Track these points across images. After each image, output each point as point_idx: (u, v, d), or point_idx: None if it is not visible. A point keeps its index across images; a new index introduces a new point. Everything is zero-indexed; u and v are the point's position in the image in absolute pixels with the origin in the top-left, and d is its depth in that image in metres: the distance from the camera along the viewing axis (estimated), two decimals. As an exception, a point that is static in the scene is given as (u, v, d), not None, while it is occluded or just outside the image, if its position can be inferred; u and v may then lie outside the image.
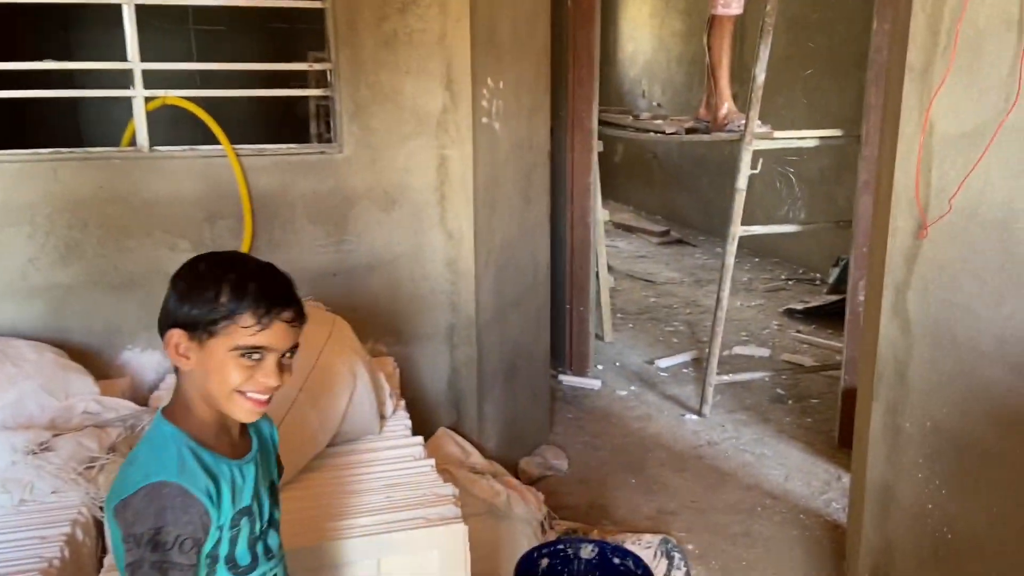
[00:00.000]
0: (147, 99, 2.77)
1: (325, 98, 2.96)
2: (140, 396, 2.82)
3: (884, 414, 2.48)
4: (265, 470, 1.45)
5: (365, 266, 3.02)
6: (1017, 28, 2.04)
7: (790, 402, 4.46)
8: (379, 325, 3.08)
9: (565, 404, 4.46)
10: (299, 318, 1.33)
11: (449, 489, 2.13)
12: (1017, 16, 2.03)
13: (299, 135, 3.83)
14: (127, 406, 2.44)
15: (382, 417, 2.50)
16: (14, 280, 2.68)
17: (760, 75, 3.79)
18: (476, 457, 3.05)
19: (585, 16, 4.34)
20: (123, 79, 2.75)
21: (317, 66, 2.93)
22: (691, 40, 8.55)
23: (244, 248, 2.84)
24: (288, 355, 1.34)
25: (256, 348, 1.28)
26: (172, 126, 3.05)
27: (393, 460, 2.30)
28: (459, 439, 3.07)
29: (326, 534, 1.93)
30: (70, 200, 2.69)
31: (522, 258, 3.61)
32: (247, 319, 1.27)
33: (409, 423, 2.55)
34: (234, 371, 1.28)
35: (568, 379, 4.73)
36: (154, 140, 2.79)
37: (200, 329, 1.28)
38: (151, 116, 2.80)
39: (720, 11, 3.98)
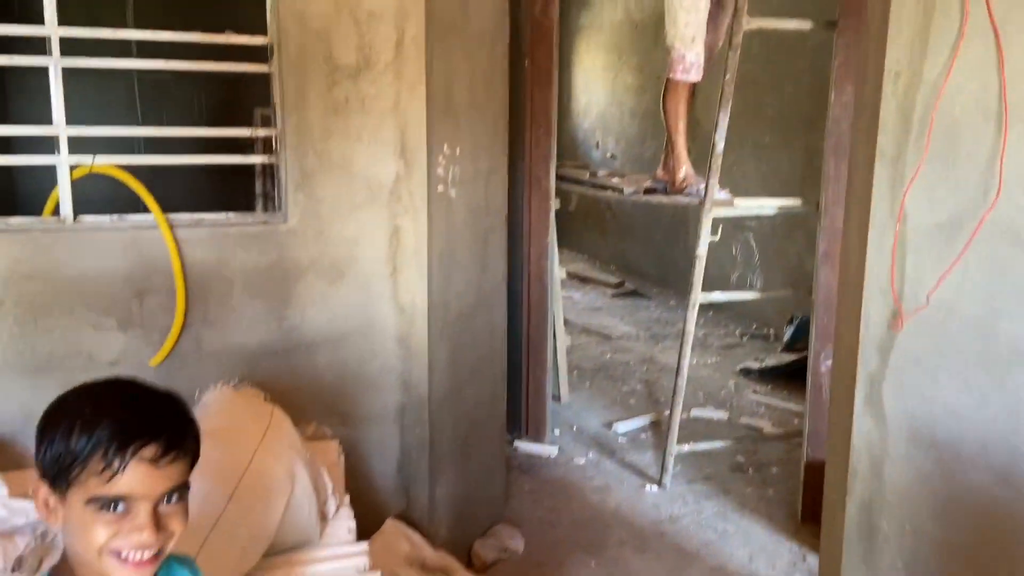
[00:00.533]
0: (72, 166, 2.55)
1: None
2: (56, 488, 2.56)
3: (859, 511, 2.35)
4: None
5: (309, 344, 2.82)
6: (996, 119, 1.97)
7: (750, 471, 4.34)
8: (324, 406, 2.87)
9: (521, 474, 4.27)
10: (171, 454, 1.10)
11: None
12: (996, 108, 1.96)
13: (245, 197, 3.63)
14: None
15: (323, 519, 2.29)
16: (-84, 364, 2.42)
17: (720, 143, 3.73)
18: (427, 550, 2.85)
19: (543, 76, 4.25)
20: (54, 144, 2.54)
21: (261, 132, 2.75)
22: (644, 94, 8.59)
23: (175, 327, 2.62)
24: (174, 497, 1.12)
25: (114, 498, 1.06)
26: (108, 191, 2.83)
27: (334, 573, 2.09)
28: (408, 531, 2.87)
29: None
30: (-18, 276, 2.45)
31: (478, 327, 3.45)
32: (97, 462, 1.05)
33: (353, 524, 2.34)
34: (96, 528, 1.06)
35: (524, 446, 4.55)
36: (85, 208, 2.57)
37: (58, 479, 1.07)
38: (82, 184, 2.58)
39: (679, 77, 3.92)
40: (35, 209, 2.61)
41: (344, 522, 2.34)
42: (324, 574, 2.08)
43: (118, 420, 1.07)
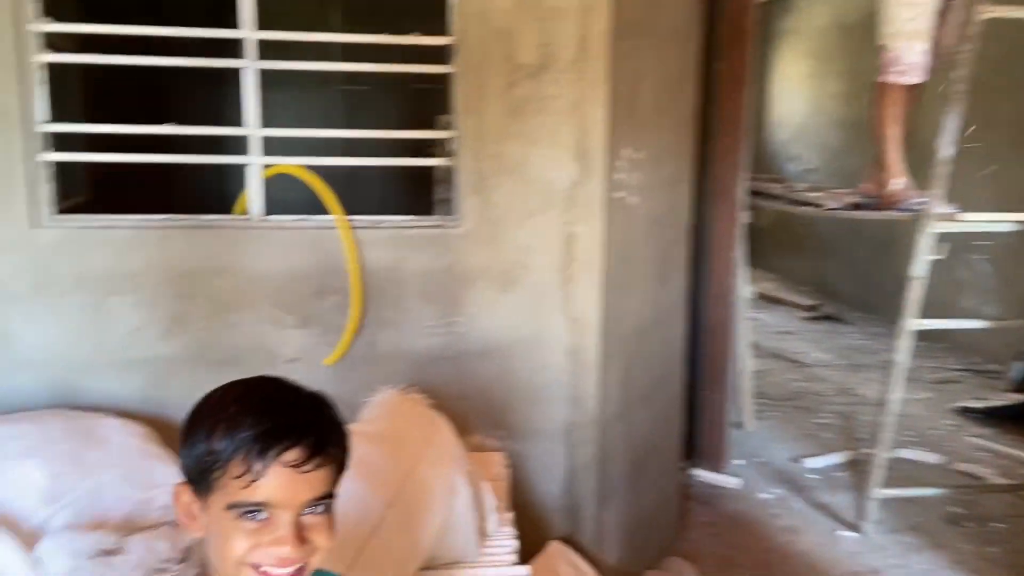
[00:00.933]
0: (263, 167, 2.63)
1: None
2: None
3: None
4: None
5: (478, 351, 2.74)
6: None
7: (969, 525, 3.79)
8: (489, 417, 2.78)
9: (698, 505, 3.98)
10: (315, 459, 1.00)
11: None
12: None
13: (423, 203, 3.65)
14: (210, 501, 2.23)
15: (483, 536, 2.18)
16: (116, 351, 2.57)
17: (946, 149, 3.28)
18: (592, 577, 2.67)
19: (736, 81, 3.97)
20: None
21: (439, 135, 2.71)
22: (851, 102, 7.94)
23: (350, 327, 2.63)
24: (319, 508, 1.02)
25: (254, 506, 0.97)
26: (293, 193, 2.92)
27: (490, 596, 1.97)
28: (573, 557, 2.70)
29: None
30: (178, 270, 2.57)
31: (655, 345, 3.24)
32: (237, 466, 0.97)
33: (515, 544, 2.21)
34: (235, 537, 0.98)
35: (703, 475, 4.25)
36: (271, 208, 2.65)
37: (200, 482, 1.01)
38: (270, 185, 2.66)
39: (894, 79, 3.51)
40: (224, 208, 2.71)
41: (505, 541, 2.22)
42: (479, 596, 1.97)
43: (261, 422, 1.00)
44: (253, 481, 0.97)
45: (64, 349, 2.54)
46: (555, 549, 2.70)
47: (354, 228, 2.63)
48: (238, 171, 2.65)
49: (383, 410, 2.30)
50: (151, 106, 3.24)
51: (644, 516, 3.25)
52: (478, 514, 2.11)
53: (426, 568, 2.01)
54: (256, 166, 2.62)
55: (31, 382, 2.53)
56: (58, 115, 2.54)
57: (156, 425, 2.49)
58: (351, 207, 2.66)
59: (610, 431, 2.90)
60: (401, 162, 2.75)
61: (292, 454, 0.99)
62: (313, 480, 1.01)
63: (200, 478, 1.01)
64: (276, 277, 2.62)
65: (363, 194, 2.90)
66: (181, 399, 2.62)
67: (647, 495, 3.26)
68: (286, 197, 2.77)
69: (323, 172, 2.68)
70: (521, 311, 2.74)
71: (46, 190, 2.53)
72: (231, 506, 0.98)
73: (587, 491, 2.88)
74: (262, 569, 0.99)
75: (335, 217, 2.61)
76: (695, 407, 4.20)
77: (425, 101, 4.08)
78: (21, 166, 2.47)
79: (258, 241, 2.61)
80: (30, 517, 2.01)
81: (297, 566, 1.01)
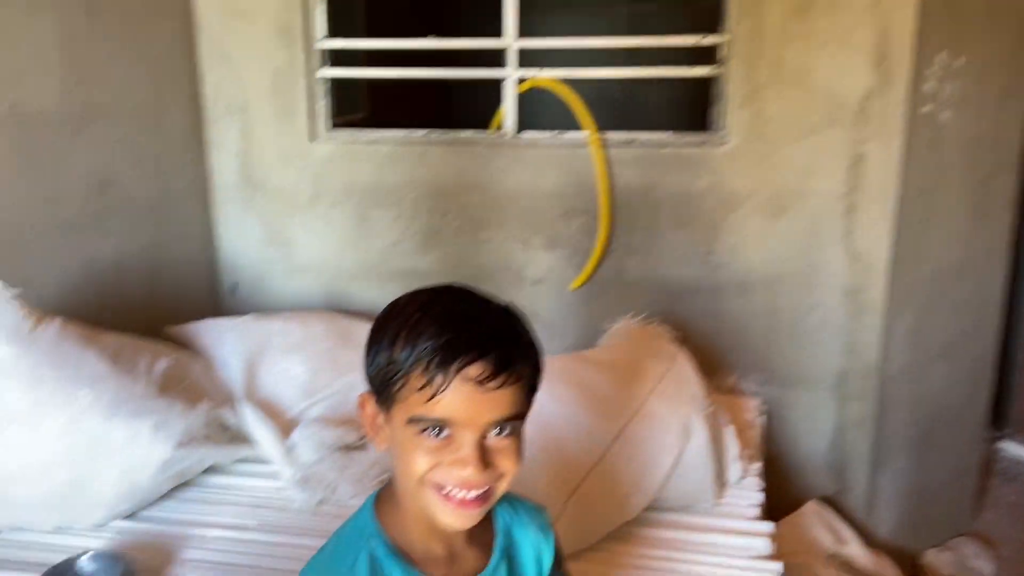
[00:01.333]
0: (520, 80, 2.55)
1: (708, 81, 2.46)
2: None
3: None
4: None
5: (737, 284, 2.48)
6: None
7: None
8: (745, 358, 2.52)
9: (1003, 482, 3.37)
10: (500, 376, 0.89)
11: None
12: None
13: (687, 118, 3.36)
14: (448, 412, 2.27)
15: (722, 485, 1.97)
16: (376, 262, 2.68)
17: None
18: (854, 547, 2.35)
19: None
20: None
21: (707, 40, 2.43)
22: None
23: (596, 251, 2.50)
24: (506, 430, 0.92)
25: (434, 422, 0.89)
26: (550, 109, 2.82)
27: (722, 550, 1.77)
28: (834, 520, 2.39)
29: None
30: (434, 185, 2.60)
31: (962, 292, 2.71)
32: (418, 377, 0.88)
33: (760, 498, 1.98)
34: (416, 453, 0.90)
35: (1012, 448, 3.59)
36: (527, 125, 2.57)
37: (383, 393, 0.93)
38: (526, 99, 2.58)
39: None
40: (476, 126, 2.68)
41: (748, 493, 1.99)
42: (709, 547, 1.77)
43: (444, 332, 0.90)
44: (434, 395, 0.88)
45: (333, 257, 2.71)
46: (812, 509, 2.41)
47: (607, 146, 2.47)
48: (484, 90, 2.60)
49: (622, 339, 2.16)
50: (424, 23, 3.30)
51: (930, 488, 2.80)
52: (716, 460, 1.91)
53: (652, 509, 1.86)
54: (512, 79, 2.55)
55: (306, 285, 2.74)
56: (336, 32, 2.65)
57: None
58: (605, 123, 2.50)
59: (893, 387, 2.50)
60: (659, 72, 2.51)
61: (475, 369, 0.88)
62: (498, 399, 0.90)
63: (383, 388, 0.93)
64: (526, 196, 2.56)
65: (619, 110, 2.72)
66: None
67: (936, 465, 2.79)
68: (542, 115, 2.68)
69: (579, 87, 2.54)
70: (792, 242, 2.42)
71: (324, 105, 2.67)
72: (412, 420, 0.90)
73: (858, 451, 2.53)
74: (445, 491, 0.91)
75: (588, 134, 2.47)
76: (1010, 369, 3.53)
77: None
78: (303, 81, 2.62)
79: (510, 158, 2.56)
80: (290, 408, 2.17)
81: (481, 490, 0.91)
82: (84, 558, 1.67)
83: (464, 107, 3.13)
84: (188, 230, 2.65)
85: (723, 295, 2.49)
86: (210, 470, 2.02)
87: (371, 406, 0.97)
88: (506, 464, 0.93)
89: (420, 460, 0.90)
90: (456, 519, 0.93)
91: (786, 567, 1.76)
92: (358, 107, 3.22)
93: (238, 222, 2.74)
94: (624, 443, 1.82)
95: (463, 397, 0.88)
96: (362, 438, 2.08)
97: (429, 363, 0.88)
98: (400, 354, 0.90)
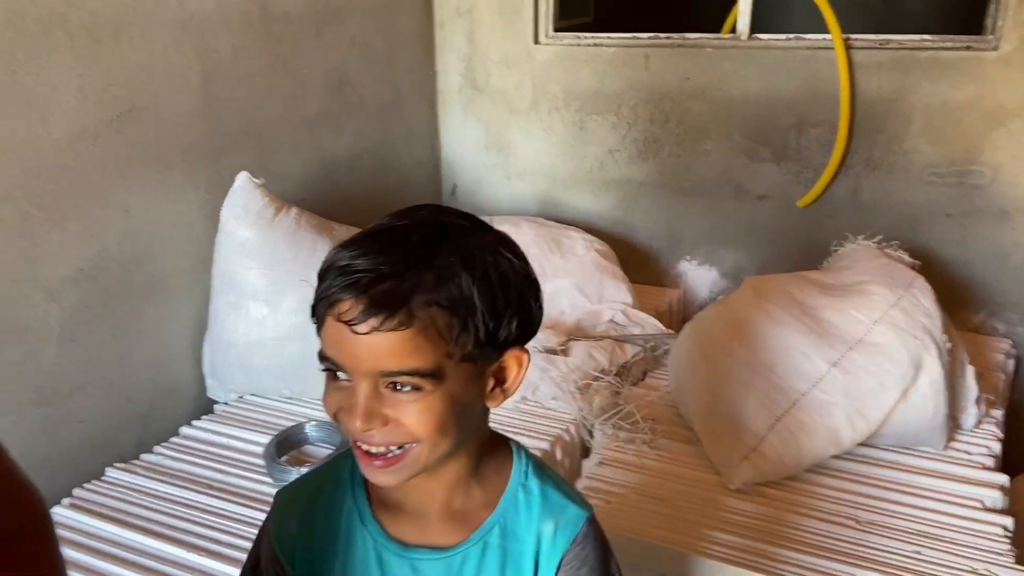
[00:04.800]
0: (757, -24, 2.35)
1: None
2: (690, 312, 2.60)
3: None
4: None
5: (997, 211, 2.18)
6: None
7: None
8: (998, 294, 2.23)
9: None
10: (373, 319, 0.71)
11: (1017, 580, 1.38)
12: None
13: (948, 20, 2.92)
14: (653, 325, 2.22)
15: (955, 427, 1.78)
16: (593, 169, 2.64)
17: None
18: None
19: None
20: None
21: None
22: None
23: (831, 166, 2.29)
24: (405, 387, 0.75)
25: (323, 358, 0.77)
26: (787, 12, 2.59)
27: (947, 497, 1.61)
28: (1087, 486, 2.09)
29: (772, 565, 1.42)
30: (655, 92, 2.49)
31: None
32: (313, 311, 0.78)
33: (997, 448, 1.77)
34: (328, 393, 0.80)
35: None
36: (761, 27, 2.38)
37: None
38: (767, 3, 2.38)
39: None
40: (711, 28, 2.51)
41: (984, 441, 1.79)
42: (930, 491, 1.62)
43: (337, 258, 0.76)
44: (319, 328, 0.77)
45: (549, 163, 2.70)
46: (1061, 471, 2.12)
47: (852, 48, 2.23)
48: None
49: (848, 261, 1.97)
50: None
51: None
52: (949, 401, 1.72)
53: (869, 446, 1.72)
54: (749, -24, 2.35)
55: (521, 190, 2.76)
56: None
57: (619, 245, 2.54)
58: (855, 28, 2.25)
59: None
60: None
61: (344, 305, 0.73)
62: (380, 346, 0.73)
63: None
64: (754, 104, 2.38)
65: (873, 15, 2.43)
66: (645, 223, 2.66)
67: None
68: (778, 17, 2.46)
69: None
70: (1071, 164, 2.08)
71: (549, 7, 2.62)
72: (319, 356, 0.78)
73: None
74: (355, 442, 0.80)
75: (831, 36, 2.23)
76: None
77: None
78: (531, -18, 2.59)
79: (741, 62, 2.38)
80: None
81: (380, 447, 0.77)
82: (309, 425, 1.84)
83: (695, 13, 2.94)
84: (414, 131, 2.75)
85: (978, 221, 2.21)
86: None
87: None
88: (414, 425, 0.76)
89: (329, 399, 0.79)
90: (369, 474, 0.80)
91: (1018, 524, 1.57)
92: (584, 11, 3.13)
93: (460, 125, 2.80)
94: (842, 372, 1.68)
95: (337, 338, 0.75)
96: (564, 343, 2.10)
97: (316, 294, 0.77)
98: (318, 285, 0.78)
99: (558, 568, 0.85)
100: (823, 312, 1.77)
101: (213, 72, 1.95)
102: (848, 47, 2.22)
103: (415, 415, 0.75)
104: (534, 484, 0.87)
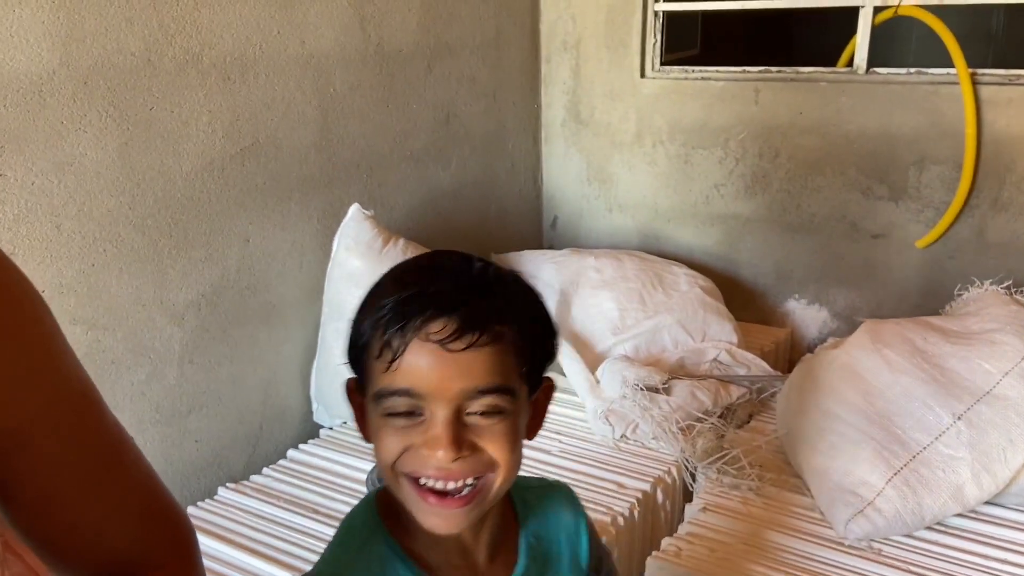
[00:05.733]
0: (877, 9, 2.28)
1: None
2: (798, 353, 2.51)
3: None
4: None
5: None
6: None
7: None
8: None
9: None
10: (470, 335, 0.71)
11: None
12: None
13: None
14: (759, 366, 2.15)
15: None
16: (698, 203, 2.60)
17: None
18: None
19: None
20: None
21: None
22: None
23: (954, 205, 2.18)
24: (486, 406, 0.73)
25: (398, 392, 0.72)
26: (907, 46, 2.50)
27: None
28: None
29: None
30: (765, 126, 2.44)
31: None
32: (377, 344, 0.73)
33: None
34: (384, 437, 0.74)
35: None
36: (878, 60, 2.31)
37: (357, 373, 0.79)
38: (879, 31, 2.30)
39: None
40: (828, 63, 2.45)
41: None
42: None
43: (406, 288, 0.74)
44: (393, 360, 0.73)
45: (651, 196, 2.67)
46: None
47: (979, 84, 2.13)
48: (848, 21, 2.34)
49: (977, 307, 1.87)
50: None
51: None
52: (1089, 463, 1.60)
53: (996, 504, 1.61)
54: (868, 8, 2.28)
55: (623, 223, 2.74)
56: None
57: (723, 281, 2.49)
58: (978, 61, 2.15)
59: None
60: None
61: (437, 325, 0.71)
62: (472, 363, 0.72)
63: (356, 366, 0.78)
64: (871, 139, 2.30)
65: (997, 46, 2.32)
66: (751, 260, 2.59)
67: None
68: (897, 51, 2.37)
69: (950, 17, 2.20)
70: None
71: (656, 41, 2.61)
72: (377, 395, 0.74)
73: None
74: (421, 483, 0.74)
75: (956, 70, 2.14)
76: None
77: None
78: (638, 15, 2.58)
79: (857, 97, 2.31)
80: (599, 343, 2.20)
81: (462, 481, 0.73)
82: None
83: (804, 47, 2.87)
84: (518, 163, 2.78)
85: (1118, 268, 2.06)
86: (522, 392, 2.13)
87: (356, 393, 0.79)
88: (495, 450, 0.74)
89: (388, 442, 0.74)
90: (438, 520, 0.75)
91: None
92: (690, 44, 3.11)
93: (562, 157, 2.81)
94: (967, 425, 1.59)
95: (425, 360, 0.72)
96: (666, 381, 2.06)
97: (388, 323, 0.73)
98: (364, 322, 0.75)
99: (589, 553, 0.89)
100: (947, 361, 1.69)
101: (329, 108, 2.02)
102: (975, 82, 2.12)
103: (500, 439, 0.73)
104: (519, 488, 0.86)
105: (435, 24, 2.31)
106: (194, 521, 1.63)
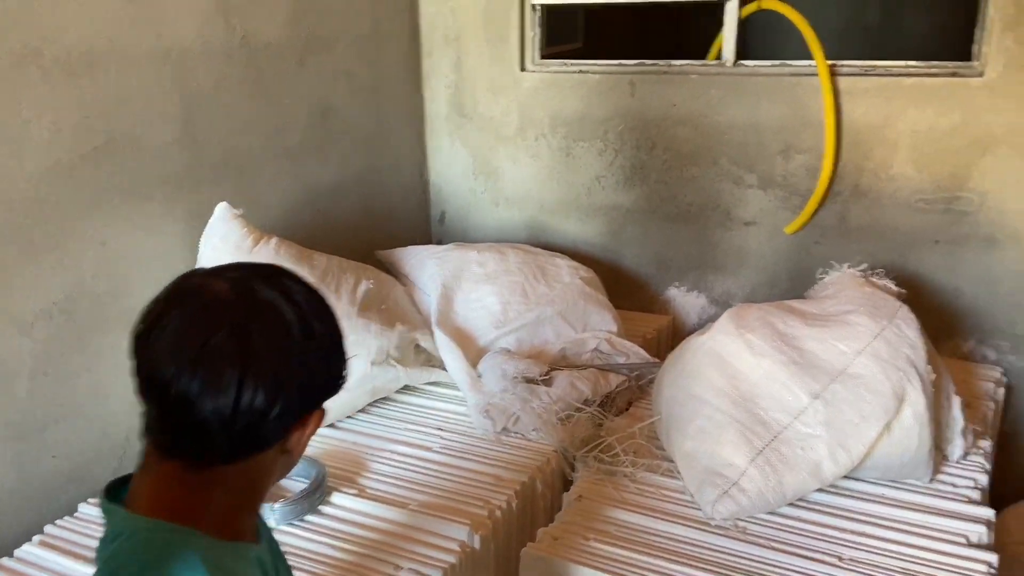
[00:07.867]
0: (743, 2, 2.35)
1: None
2: (679, 339, 2.56)
3: None
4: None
5: (985, 237, 2.16)
6: None
7: None
8: (986, 321, 2.21)
9: None
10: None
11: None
12: None
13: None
14: (638, 353, 2.19)
15: (940, 459, 1.75)
16: (580, 195, 2.63)
17: None
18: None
19: None
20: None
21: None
22: None
23: (817, 193, 2.27)
24: None
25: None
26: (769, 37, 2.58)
27: (930, 533, 1.58)
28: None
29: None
30: (642, 118, 2.49)
31: None
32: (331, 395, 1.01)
33: (984, 480, 1.74)
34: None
35: None
36: (754, 54, 2.38)
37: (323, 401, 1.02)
38: (745, 26, 2.37)
39: None
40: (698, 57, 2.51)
41: (971, 473, 1.75)
42: (915, 525, 1.58)
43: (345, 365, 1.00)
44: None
45: (537, 189, 2.69)
46: (1053, 503, 2.08)
47: (837, 75, 2.22)
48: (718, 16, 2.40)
49: (835, 290, 1.95)
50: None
51: None
52: (935, 432, 1.69)
53: (853, 479, 1.69)
54: (734, 3, 2.34)
55: (509, 217, 2.75)
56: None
57: (607, 271, 2.53)
58: (851, 55, 2.24)
59: None
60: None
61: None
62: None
63: (327, 397, 1.01)
64: (740, 130, 2.37)
65: (870, 42, 2.43)
66: (633, 249, 2.64)
67: None
68: (764, 45, 2.46)
69: (818, 15, 2.29)
70: (1058, 190, 2.06)
71: (535, 34, 2.62)
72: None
73: (1124, 441, 2.15)
74: None
75: (817, 62, 2.23)
76: None
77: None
78: (516, 9, 2.59)
79: (726, 89, 2.37)
80: (481, 336, 2.20)
81: None
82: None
83: (694, 40, 2.93)
84: (402, 158, 2.75)
85: (967, 248, 2.18)
86: (405, 389, 2.11)
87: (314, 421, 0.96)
88: None
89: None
90: None
91: (1004, 560, 1.54)
92: (572, 37, 3.14)
93: (448, 152, 2.80)
94: (824, 404, 1.65)
95: None
96: (546, 373, 2.08)
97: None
98: (342, 377, 0.97)
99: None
100: (805, 343, 1.75)
101: (192, 103, 1.95)
102: (833, 73, 2.22)
103: None
104: None
105: (306, 16, 2.26)
106: (51, 540, 1.55)
